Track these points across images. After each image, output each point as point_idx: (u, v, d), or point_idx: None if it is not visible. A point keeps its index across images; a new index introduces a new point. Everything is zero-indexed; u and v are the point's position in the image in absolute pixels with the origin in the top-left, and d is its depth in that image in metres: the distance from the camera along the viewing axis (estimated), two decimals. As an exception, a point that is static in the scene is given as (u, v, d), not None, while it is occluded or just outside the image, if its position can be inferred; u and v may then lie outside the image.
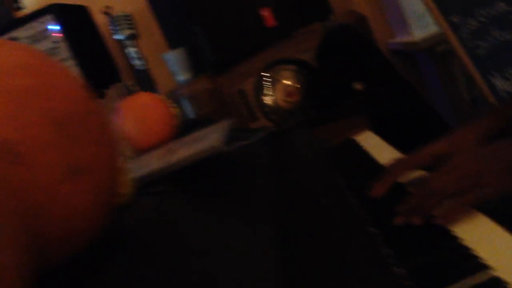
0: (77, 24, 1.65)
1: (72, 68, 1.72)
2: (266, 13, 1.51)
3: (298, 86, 1.58)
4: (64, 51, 1.66)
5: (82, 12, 1.67)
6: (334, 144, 1.29)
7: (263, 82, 1.57)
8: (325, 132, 1.38)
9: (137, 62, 1.37)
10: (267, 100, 1.57)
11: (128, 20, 1.35)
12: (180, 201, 0.61)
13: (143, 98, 1.01)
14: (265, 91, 1.57)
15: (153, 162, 0.72)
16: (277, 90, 1.58)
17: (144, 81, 1.43)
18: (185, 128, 1.30)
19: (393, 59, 2.03)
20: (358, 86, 1.38)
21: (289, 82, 1.59)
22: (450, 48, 1.46)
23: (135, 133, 0.98)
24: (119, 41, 1.40)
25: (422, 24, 1.71)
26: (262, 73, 1.56)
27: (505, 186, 0.60)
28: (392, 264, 0.51)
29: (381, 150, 1.10)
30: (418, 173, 0.76)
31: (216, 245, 0.47)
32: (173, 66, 1.48)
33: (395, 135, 1.37)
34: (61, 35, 1.56)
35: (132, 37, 1.36)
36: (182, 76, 1.47)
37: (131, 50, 1.37)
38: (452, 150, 0.72)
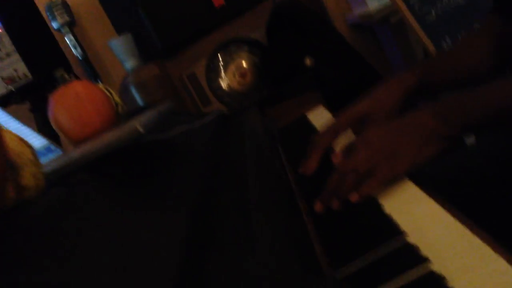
0: (20, 16, 1.58)
1: (17, 62, 1.66)
2: (212, -8, 1.46)
3: (251, 66, 1.53)
4: (8, 46, 1.59)
5: (24, 2, 1.60)
6: (286, 123, 1.26)
7: (214, 65, 1.52)
8: (278, 111, 1.35)
9: (75, 51, 1.30)
10: (220, 83, 1.52)
11: (64, 7, 1.29)
12: (92, 192, 0.57)
13: (76, 88, 0.96)
14: (217, 74, 1.52)
15: (75, 152, 0.67)
16: (229, 72, 1.53)
17: (87, 70, 1.37)
18: (130, 116, 1.25)
19: (352, 33, 1.99)
20: (308, 61, 1.34)
21: (241, 63, 1.54)
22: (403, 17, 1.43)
23: (68, 124, 0.93)
24: (58, 29, 1.34)
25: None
26: (212, 55, 1.52)
27: (417, 160, 0.58)
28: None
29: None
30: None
31: (116, 242, 0.43)
32: (120, 53, 1.42)
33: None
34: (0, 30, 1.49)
35: (69, 24, 1.29)
36: (129, 63, 1.41)
37: (69, 38, 1.31)
38: (372, 112, 0.71)
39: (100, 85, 1.12)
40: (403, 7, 1.34)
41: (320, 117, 1.19)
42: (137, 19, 1.45)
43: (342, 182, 0.58)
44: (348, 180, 0.58)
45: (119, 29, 1.58)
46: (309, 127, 1.10)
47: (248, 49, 1.53)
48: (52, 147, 1.02)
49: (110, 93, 1.12)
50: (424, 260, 0.40)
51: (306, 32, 1.34)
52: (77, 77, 1.38)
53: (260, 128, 1.09)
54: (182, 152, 0.82)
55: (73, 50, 1.30)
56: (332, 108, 1.23)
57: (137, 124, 0.64)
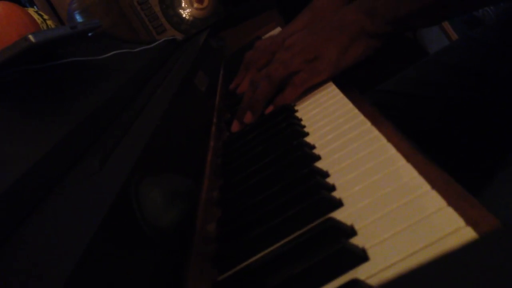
0: None
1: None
2: None
3: (208, -12, 1.42)
4: None
5: None
6: (241, 44, 1.18)
7: (169, -12, 1.41)
8: (235, 32, 1.26)
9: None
10: (175, 8, 1.41)
11: None
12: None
13: (-5, 9, 0.87)
14: (171, -2, 1.41)
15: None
16: (185, -4, 1.42)
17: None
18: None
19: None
20: (265, -22, 1.24)
21: (198, -15, 1.43)
22: None
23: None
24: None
25: None
26: (166, -22, 1.40)
27: (341, 62, 0.50)
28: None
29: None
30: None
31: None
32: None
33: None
34: None
35: None
36: (73, -11, 1.30)
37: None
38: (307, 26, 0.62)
39: (31, 9, 1.03)
40: None
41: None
42: None
43: (255, 93, 0.51)
44: (261, 89, 0.50)
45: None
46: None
47: (203, -31, 1.41)
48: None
49: (43, 18, 1.03)
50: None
51: None
52: None
53: (197, 48, 1.00)
54: (103, 73, 0.75)
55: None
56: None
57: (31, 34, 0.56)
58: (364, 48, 0.50)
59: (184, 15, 1.42)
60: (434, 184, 0.28)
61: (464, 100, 0.72)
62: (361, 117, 0.39)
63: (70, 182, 0.33)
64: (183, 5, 1.42)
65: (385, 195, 0.29)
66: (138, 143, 0.35)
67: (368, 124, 0.37)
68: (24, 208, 0.29)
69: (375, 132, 0.36)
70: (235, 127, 0.53)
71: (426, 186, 0.28)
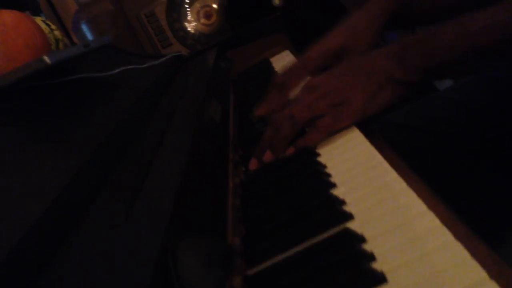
0: None
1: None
2: None
3: (217, 6, 1.41)
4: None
5: None
6: (246, 67, 1.17)
7: (177, 2, 1.40)
8: (241, 53, 1.25)
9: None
10: (182, 23, 1.40)
11: None
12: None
13: (3, 18, 0.85)
14: (179, 13, 1.40)
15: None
16: (193, 11, 1.41)
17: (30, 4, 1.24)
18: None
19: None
20: (276, 1, 1.23)
21: (207, 2, 1.42)
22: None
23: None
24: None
25: None
26: (175, -8, 1.39)
27: (367, 109, 0.49)
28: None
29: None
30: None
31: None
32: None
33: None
34: None
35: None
36: (81, -2, 1.28)
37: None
38: (349, 45, 0.60)
39: (38, 18, 1.01)
40: None
41: (283, 62, 1.10)
42: None
43: (277, 133, 0.50)
44: (283, 130, 0.49)
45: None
46: (271, 73, 1.01)
47: (213, -14, 1.41)
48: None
49: (50, 28, 1.01)
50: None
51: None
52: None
53: (209, 70, 0.99)
54: (113, 91, 0.73)
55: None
56: (299, 51, 1.13)
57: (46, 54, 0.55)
58: (392, 96, 0.49)
59: (190, 30, 1.41)
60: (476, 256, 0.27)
61: (476, 138, 0.71)
62: (394, 173, 0.38)
63: (87, 235, 0.31)
64: (190, 19, 1.41)
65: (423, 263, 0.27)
66: (167, 191, 0.33)
67: (403, 184, 0.36)
68: (25, 274, 0.26)
69: (412, 195, 0.34)
70: (253, 165, 0.51)
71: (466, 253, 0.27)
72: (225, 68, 1.00)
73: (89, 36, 1.25)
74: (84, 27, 1.25)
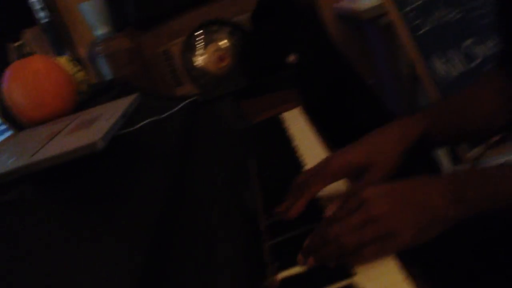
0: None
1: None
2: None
3: (231, 50, 1.45)
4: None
5: None
6: (260, 119, 1.20)
7: (193, 43, 1.43)
8: (254, 104, 1.29)
9: (40, 14, 1.19)
10: (196, 63, 1.44)
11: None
12: (36, 211, 0.50)
13: (36, 64, 0.87)
14: (194, 54, 1.43)
15: (17, 156, 0.59)
16: (207, 53, 1.45)
17: (51, 36, 1.25)
18: (96, 92, 1.16)
19: (339, 24, 1.92)
20: (291, 58, 1.28)
21: (221, 45, 1.46)
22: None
23: (23, 103, 0.85)
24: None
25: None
26: (192, 33, 1.42)
27: (413, 242, 0.50)
28: None
29: (304, 134, 1.03)
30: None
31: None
32: (91, 18, 1.30)
33: (326, 110, 1.30)
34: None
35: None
36: (100, 30, 1.30)
37: (34, -1, 1.18)
38: (372, 163, 0.62)
39: (64, 58, 1.03)
40: (395, 15, 1.28)
41: (296, 120, 1.14)
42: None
43: (323, 247, 0.52)
44: (329, 249, 0.50)
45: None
46: (283, 132, 1.05)
47: (230, 32, 1.45)
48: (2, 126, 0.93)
49: (76, 68, 1.03)
50: None
51: (293, 27, 1.27)
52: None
53: (231, 126, 1.02)
54: (147, 149, 0.75)
55: (39, 12, 1.18)
56: (310, 110, 1.17)
57: (98, 136, 0.57)
58: (440, 231, 0.50)
59: (203, 71, 1.45)
60: None
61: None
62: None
63: None
64: (203, 61, 1.45)
65: None
66: None
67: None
68: None
69: None
70: (299, 261, 0.52)
71: None
72: (242, 127, 1.03)
73: (106, 69, 1.27)
74: (102, 61, 1.27)
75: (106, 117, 0.70)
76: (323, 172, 0.62)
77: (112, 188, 0.60)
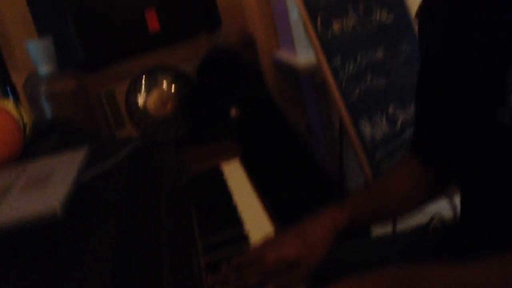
0: None
1: None
2: (150, 15, 1.40)
3: (174, 97, 1.50)
4: None
5: None
6: (200, 169, 1.25)
7: (137, 87, 1.47)
8: (194, 153, 1.34)
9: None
10: (139, 107, 1.47)
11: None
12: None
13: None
14: (137, 97, 1.47)
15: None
16: (151, 97, 1.49)
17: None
18: (38, 133, 1.15)
19: (277, 73, 2.00)
20: (233, 112, 1.35)
21: (165, 91, 1.50)
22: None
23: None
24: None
25: (306, 51, 1.72)
26: (137, 77, 1.46)
27: None
28: None
29: (241, 186, 1.11)
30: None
31: None
32: (35, 56, 1.30)
33: (262, 163, 1.37)
34: None
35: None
36: (44, 69, 1.30)
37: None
38: (303, 258, 0.68)
39: (10, 102, 1.02)
40: (330, 79, 1.40)
41: (234, 171, 1.21)
42: (63, 23, 1.35)
43: None
44: None
45: (41, 30, 1.45)
46: (222, 184, 1.12)
47: (175, 79, 1.50)
48: None
49: (20, 114, 1.03)
50: None
51: (236, 82, 1.34)
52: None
53: (176, 177, 1.07)
54: (95, 205, 0.77)
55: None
56: (247, 162, 1.24)
57: (56, 205, 0.59)
58: None
59: (145, 115, 1.48)
60: None
61: None
62: None
63: None
64: (147, 105, 1.48)
65: None
66: None
67: None
68: None
69: None
70: None
71: None
72: (185, 181, 1.08)
73: (47, 109, 1.27)
74: (44, 102, 1.26)
75: (60, 175, 0.72)
76: (259, 267, 0.67)
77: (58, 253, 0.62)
